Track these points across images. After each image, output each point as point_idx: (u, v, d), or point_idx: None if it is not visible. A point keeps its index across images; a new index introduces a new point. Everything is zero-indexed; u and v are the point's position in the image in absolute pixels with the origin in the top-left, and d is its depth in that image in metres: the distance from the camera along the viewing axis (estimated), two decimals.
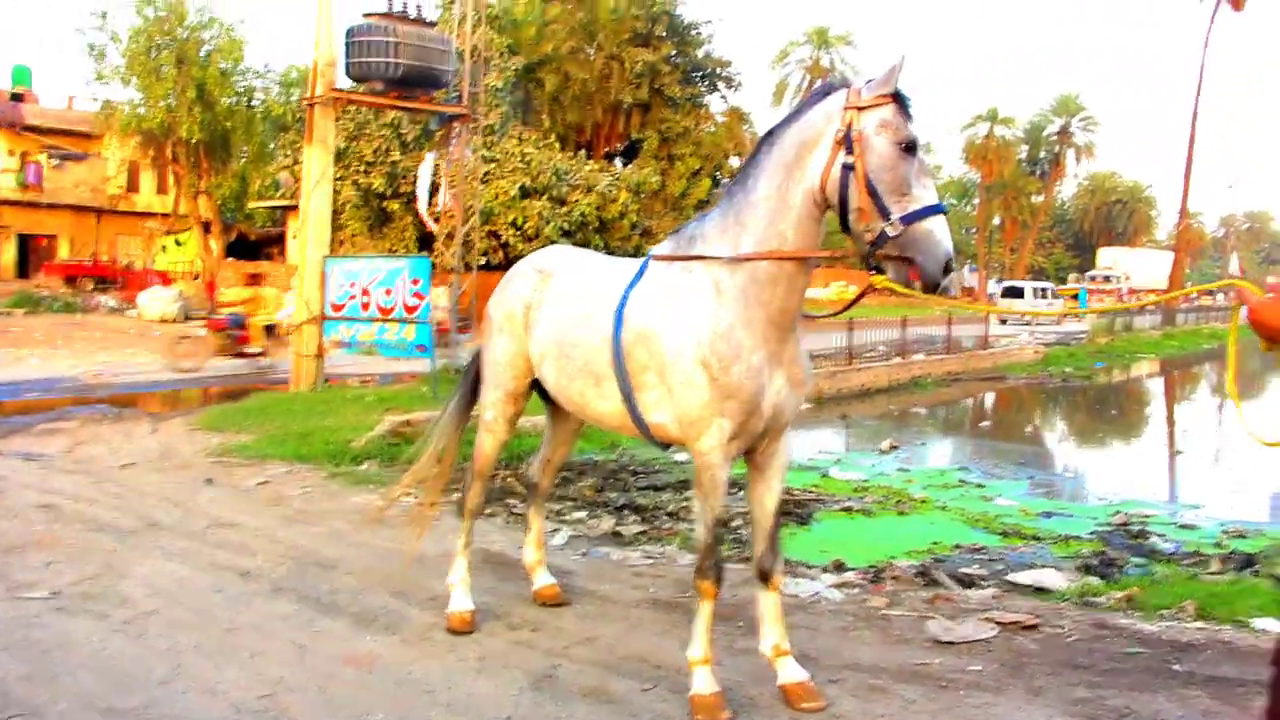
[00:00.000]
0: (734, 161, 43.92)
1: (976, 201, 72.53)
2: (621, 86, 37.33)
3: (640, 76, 37.29)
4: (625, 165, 38.52)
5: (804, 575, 6.43)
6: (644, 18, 37.58)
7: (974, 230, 75.02)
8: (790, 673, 4.24)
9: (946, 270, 3.59)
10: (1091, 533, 8.52)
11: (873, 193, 3.66)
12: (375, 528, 7.26)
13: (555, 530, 7.52)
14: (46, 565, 6.39)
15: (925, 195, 3.65)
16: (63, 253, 47.71)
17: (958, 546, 7.92)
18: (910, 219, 3.62)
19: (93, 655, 4.87)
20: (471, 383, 5.44)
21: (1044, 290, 52.12)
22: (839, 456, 12.51)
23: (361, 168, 32.01)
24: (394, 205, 31.56)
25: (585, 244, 34.31)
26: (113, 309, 36.26)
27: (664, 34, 38.44)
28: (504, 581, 6.03)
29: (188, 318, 33.99)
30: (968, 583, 6.70)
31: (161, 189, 48.02)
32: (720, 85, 42.73)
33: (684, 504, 9.48)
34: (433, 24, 16.76)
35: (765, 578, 4.32)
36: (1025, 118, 69.77)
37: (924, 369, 22.03)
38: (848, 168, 3.71)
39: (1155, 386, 27.36)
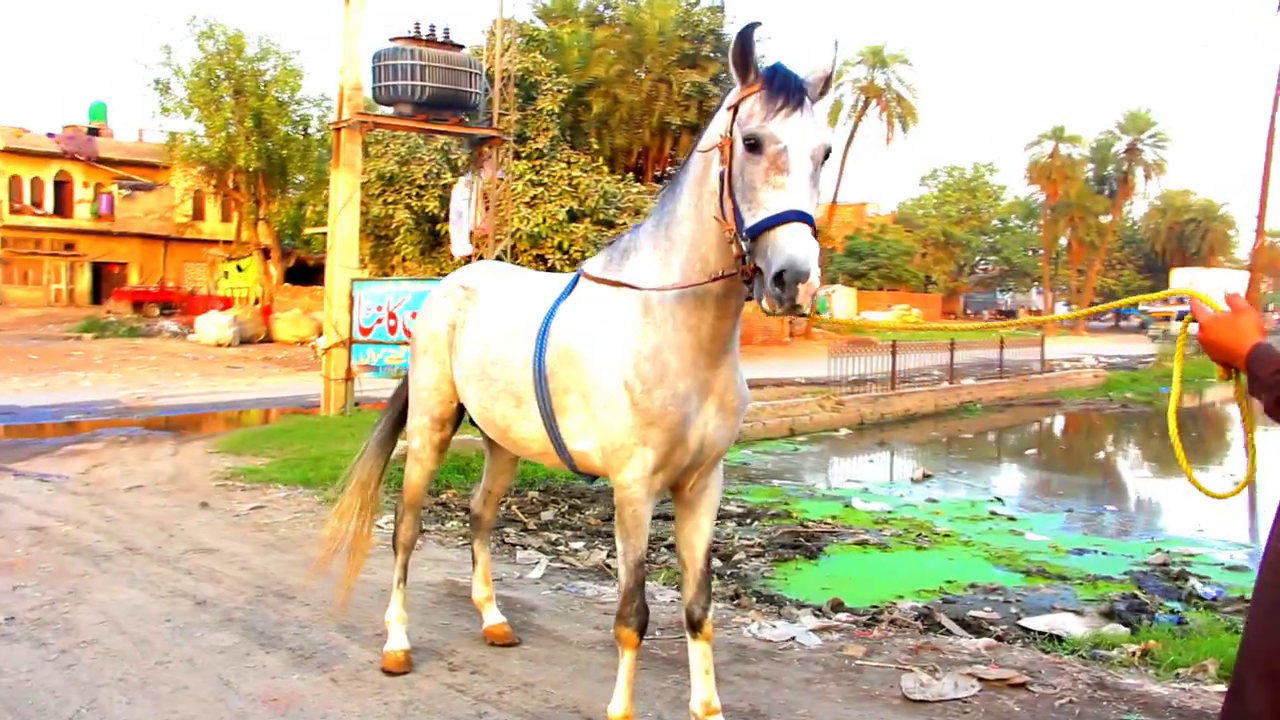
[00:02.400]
0: None
1: (1042, 222, 70.99)
2: (669, 108, 36.94)
3: (689, 98, 36.88)
4: None
5: (787, 616, 5.96)
6: (691, 38, 37.22)
7: (1039, 251, 73.33)
8: None
9: (779, 282, 2.90)
10: (1125, 573, 7.87)
11: (734, 203, 3.16)
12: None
13: (535, 562, 7.15)
14: (13, 589, 6.24)
15: (772, 200, 3.02)
16: (132, 279, 49.02)
17: (973, 586, 7.36)
18: (754, 231, 3.02)
19: (13, 687, 4.64)
20: (400, 408, 5.12)
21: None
22: (865, 486, 11.94)
23: (414, 191, 32.17)
24: (446, 228, 31.57)
25: None
26: (174, 333, 37.00)
27: (712, 54, 38.01)
28: (459, 617, 5.67)
29: (243, 342, 34.50)
30: (974, 627, 6.18)
31: (225, 217, 49.09)
32: None
33: None
34: (460, 47, 16.63)
35: (695, 627, 3.88)
36: (1092, 135, 68.23)
37: (974, 393, 21.26)
38: (722, 177, 3.23)
39: (1228, 412, 26.11)
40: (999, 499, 11.06)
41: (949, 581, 7.48)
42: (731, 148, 3.17)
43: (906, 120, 51.27)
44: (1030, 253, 77.63)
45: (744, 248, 3.09)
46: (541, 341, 3.94)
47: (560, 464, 4.08)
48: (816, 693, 4.53)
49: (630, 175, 36.48)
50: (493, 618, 5.27)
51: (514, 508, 9.57)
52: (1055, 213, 67.03)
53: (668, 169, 41.31)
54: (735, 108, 3.20)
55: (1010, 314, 75.09)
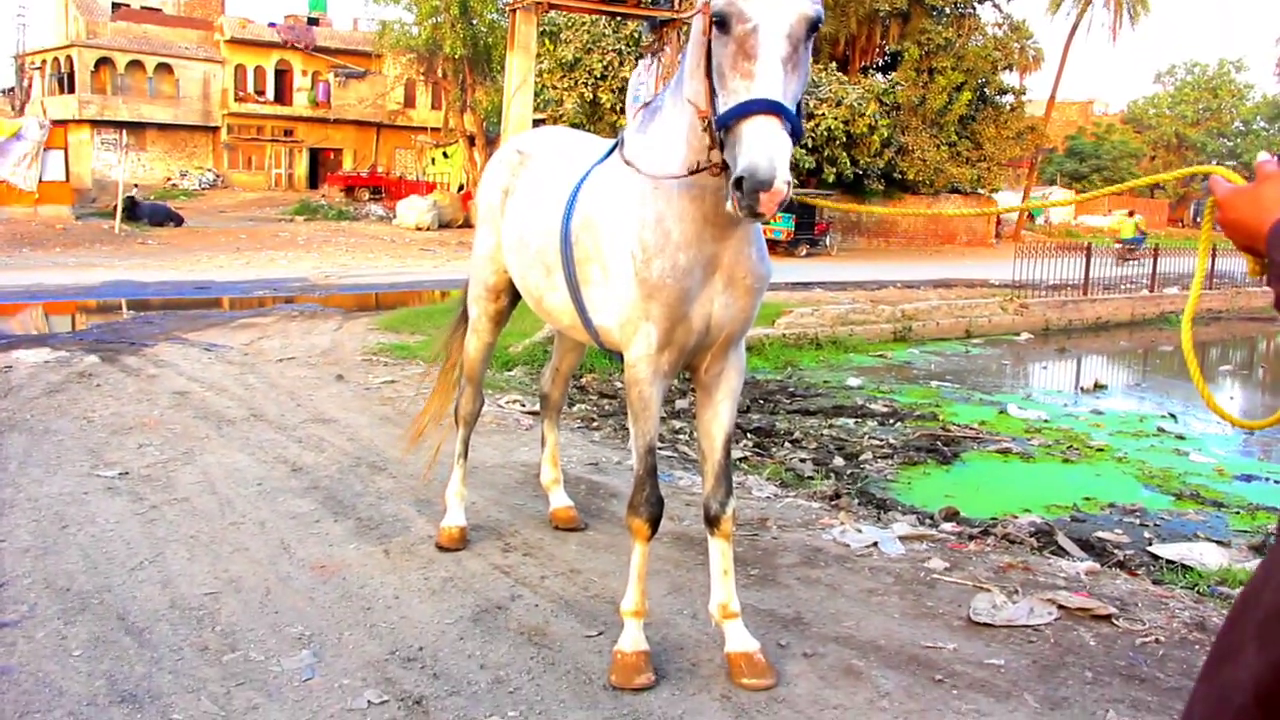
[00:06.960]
0: (1003, 77, 40.43)
1: None
2: None
3: None
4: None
5: (885, 522, 5.54)
6: None
7: None
8: (737, 640, 3.50)
9: (738, 187, 2.57)
10: None
11: (710, 84, 2.81)
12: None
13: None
14: (138, 447, 6.53)
15: (740, 89, 2.65)
16: (346, 165, 51.27)
17: (1111, 505, 6.71)
18: (721, 122, 2.69)
19: (97, 536, 4.83)
20: None
21: None
22: (1028, 392, 11.13)
23: (590, 81, 31.82)
24: (625, 121, 31.26)
25: (832, 160, 32.76)
26: (380, 217, 38.56)
27: None
28: (537, 499, 5.53)
29: (441, 226, 35.57)
30: (1096, 549, 5.61)
31: (435, 105, 50.40)
32: None
33: (823, 430, 8.69)
34: None
35: (713, 523, 3.57)
36: None
37: (1177, 304, 19.57)
38: (705, 50, 2.86)
39: None
40: (1172, 415, 10.07)
41: (1087, 499, 6.86)
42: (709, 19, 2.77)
43: (1136, 9, 46.68)
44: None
45: (718, 137, 2.73)
46: (569, 208, 3.68)
47: (590, 339, 3.84)
48: (874, 605, 4.14)
49: (833, 65, 34.90)
50: (559, 500, 5.14)
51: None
52: None
53: (878, 60, 39.34)
54: None
55: None
